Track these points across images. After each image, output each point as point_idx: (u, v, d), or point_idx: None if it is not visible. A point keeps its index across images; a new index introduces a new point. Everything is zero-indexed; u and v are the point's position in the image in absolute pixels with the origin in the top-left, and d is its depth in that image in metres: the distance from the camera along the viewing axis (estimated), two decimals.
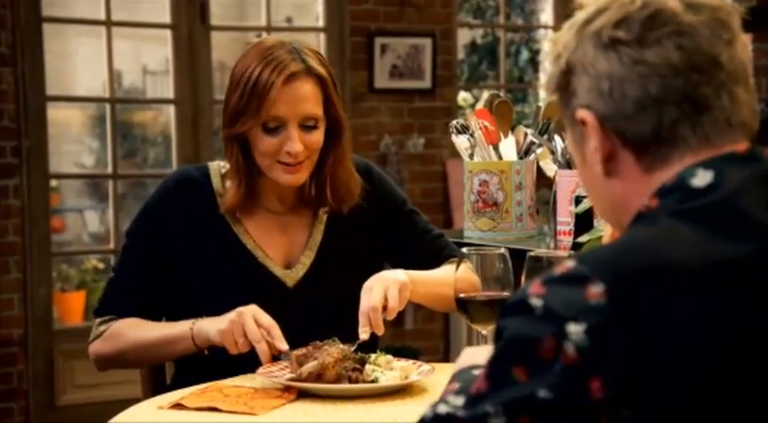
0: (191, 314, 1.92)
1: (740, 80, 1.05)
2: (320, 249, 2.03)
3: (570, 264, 0.96)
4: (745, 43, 1.06)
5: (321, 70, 1.95)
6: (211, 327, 1.83)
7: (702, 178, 1.00)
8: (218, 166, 2.05)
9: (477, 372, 1.11)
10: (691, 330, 0.90)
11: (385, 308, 1.80)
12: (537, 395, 0.90)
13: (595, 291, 0.91)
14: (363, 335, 1.78)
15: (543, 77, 6.51)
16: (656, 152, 1.04)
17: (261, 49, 1.94)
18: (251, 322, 1.77)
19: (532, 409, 0.91)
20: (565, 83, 1.09)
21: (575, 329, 0.90)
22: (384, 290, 1.81)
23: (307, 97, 1.93)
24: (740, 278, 0.93)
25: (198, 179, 2.03)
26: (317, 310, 1.95)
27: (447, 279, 2.02)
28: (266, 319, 1.79)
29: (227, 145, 1.98)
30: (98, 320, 2.01)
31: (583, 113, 1.06)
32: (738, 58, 1.05)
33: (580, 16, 1.08)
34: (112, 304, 2.01)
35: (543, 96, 6.22)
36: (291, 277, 2.00)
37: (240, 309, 1.80)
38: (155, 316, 1.99)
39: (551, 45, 1.12)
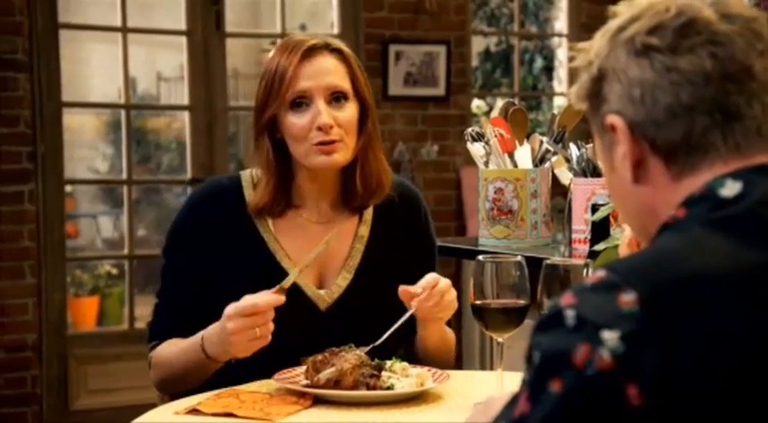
0: None
1: None
2: (358, 272, 1.95)
3: (601, 273, 0.96)
4: None
5: (342, 46, 1.93)
6: (221, 350, 1.76)
7: (731, 188, 1.00)
8: (250, 175, 1.97)
9: None
10: (723, 338, 0.89)
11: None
12: (573, 404, 0.90)
13: (627, 298, 0.91)
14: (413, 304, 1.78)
15: (557, 85, 6.51)
16: (686, 160, 1.03)
17: (281, 41, 1.94)
18: (246, 323, 1.70)
19: (572, 419, 0.90)
20: (596, 90, 1.09)
21: (609, 336, 0.90)
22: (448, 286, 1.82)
23: (329, 70, 1.89)
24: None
25: (228, 190, 1.95)
26: (349, 334, 1.83)
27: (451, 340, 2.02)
28: (248, 308, 1.70)
29: (257, 141, 1.92)
30: (149, 347, 1.97)
31: (613, 119, 1.06)
32: None
33: (613, 24, 1.08)
34: (158, 332, 1.96)
35: (558, 104, 6.22)
36: (324, 300, 1.92)
37: (230, 328, 1.71)
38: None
39: (582, 53, 1.11)
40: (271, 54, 1.94)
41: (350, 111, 1.90)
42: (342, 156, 1.89)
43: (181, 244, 1.95)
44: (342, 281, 1.95)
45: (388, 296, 1.90)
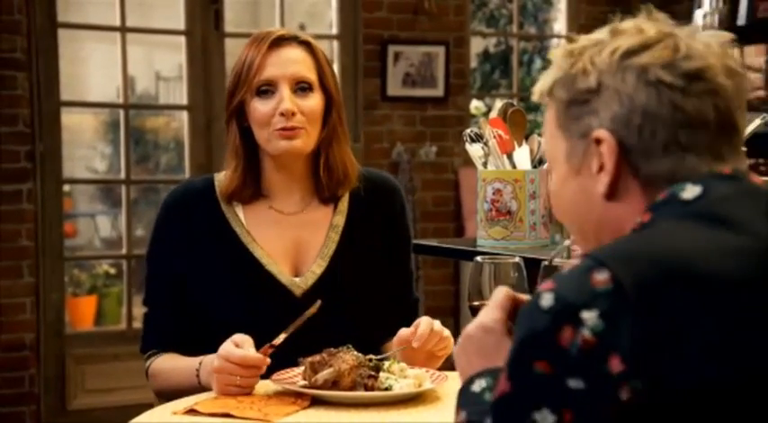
0: (205, 327, 1.92)
1: (742, 143, 1.13)
2: (333, 259, 1.98)
3: (576, 261, 1.02)
4: (749, 75, 1.14)
5: (310, 39, 1.99)
6: (209, 381, 1.77)
7: (691, 191, 1.06)
8: (223, 176, 2.02)
9: (477, 387, 1.14)
10: (690, 308, 0.95)
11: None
12: (568, 385, 0.95)
13: (601, 277, 0.97)
14: (416, 343, 1.79)
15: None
16: (666, 187, 1.08)
17: (254, 34, 1.99)
18: (229, 368, 1.71)
19: (569, 401, 0.95)
20: (586, 99, 1.11)
21: (588, 316, 0.95)
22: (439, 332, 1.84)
23: (295, 60, 1.95)
24: (736, 261, 0.99)
25: (201, 190, 2.00)
26: (326, 320, 1.86)
27: None
28: (234, 356, 1.71)
29: (227, 128, 1.99)
30: (144, 357, 2.00)
31: (603, 133, 1.09)
32: (745, 125, 1.13)
33: (621, 43, 1.10)
34: (150, 341, 1.99)
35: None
36: (299, 286, 1.95)
37: (214, 366, 1.73)
38: (193, 336, 1.94)
39: (569, 56, 1.13)
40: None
41: (314, 101, 1.95)
42: (302, 142, 1.93)
43: (160, 249, 2.00)
44: (317, 268, 1.97)
45: (363, 283, 1.97)
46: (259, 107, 1.93)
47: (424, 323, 1.82)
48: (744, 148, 1.16)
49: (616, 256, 0.99)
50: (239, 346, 1.73)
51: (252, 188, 1.98)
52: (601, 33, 1.13)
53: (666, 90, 1.07)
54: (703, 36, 1.11)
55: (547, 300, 0.98)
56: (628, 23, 1.13)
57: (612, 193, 1.10)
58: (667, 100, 1.07)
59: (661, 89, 1.07)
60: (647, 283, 0.96)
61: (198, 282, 1.95)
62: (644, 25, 1.12)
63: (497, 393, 1.00)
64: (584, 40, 1.14)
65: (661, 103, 1.07)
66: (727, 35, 1.13)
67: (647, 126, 1.07)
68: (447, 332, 1.86)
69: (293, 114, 1.91)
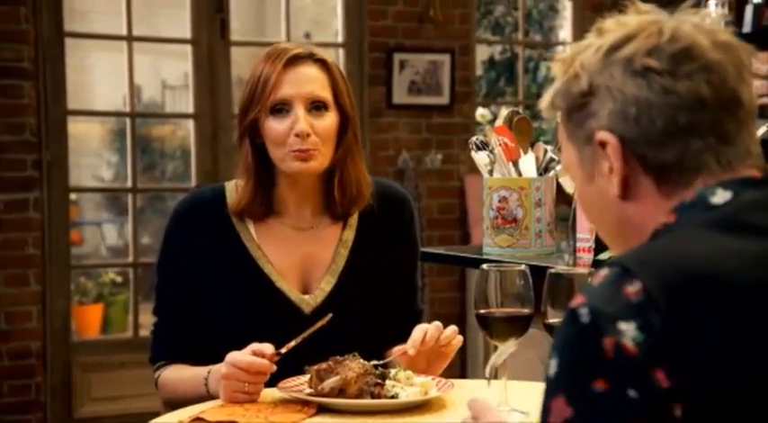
0: (214, 338, 1.92)
1: (754, 117, 1.11)
2: (342, 275, 1.97)
3: (603, 271, 0.99)
4: (754, 82, 1.12)
5: (326, 57, 1.96)
6: (217, 389, 1.77)
7: (722, 196, 1.05)
8: (234, 185, 2.00)
9: None
10: (714, 315, 0.93)
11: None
12: (628, 395, 0.92)
13: (633, 289, 0.95)
14: (411, 351, 1.79)
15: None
16: (678, 179, 1.07)
17: (268, 49, 1.98)
18: (237, 374, 1.71)
19: (633, 411, 0.92)
20: (582, 103, 1.11)
21: (626, 327, 0.93)
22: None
23: (311, 78, 1.93)
24: (762, 268, 0.97)
25: (211, 200, 1.99)
26: (334, 337, 1.82)
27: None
28: (242, 362, 1.71)
29: (240, 144, 1.97)
30: (153, 368, 1.99)
31: (604, 135, 1.09)
32: (753, 97, 1.10)
33: (605, 40, 1.10)
34: (160, 351, 1.99)
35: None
36: (308, 303, 1.95)
37: (222, 373, 1.73)
38: (203, 347, 1.95)
39: (562, 64, 1.13)
40: (258, 61, 1.97)
41: (329, 120, 1.93)
42: (317, 163, 1.91)
43: (170, 259, 1.99)
44: (326, 285, 1.97)
45: (373, 299, 1.96)
46: (274, 126, 1.91)
47: (417, 331, 1.82)
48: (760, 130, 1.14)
49: (644, 265, 0.97)
50: (258, 352, 1.73)
51: (263, 206, 1.97)
52: (589, 37, 1.13)
53: (655, 76, 1.06)
54: (694, 18, 1.09)
55: (584, 316, 0.96)
56: (610, 21, 1.12)
57: (626, 193, 1.09)
58: (658, 86, 1.06)
59: (649, 76, 1.06)
60: (674, 291, 0.94)
61: (207, 293, 1.95)
62: (626, 19, 1.11)
63: (560, 420, 0.96)
64: (574, 46, 1.14)
65: (652, 90, 1.06)
66: (722, 13, 1.13)
67: (643, 116, 1.06)
68: (452, 328, 1.84)
69: (308, 135, 1.89)
